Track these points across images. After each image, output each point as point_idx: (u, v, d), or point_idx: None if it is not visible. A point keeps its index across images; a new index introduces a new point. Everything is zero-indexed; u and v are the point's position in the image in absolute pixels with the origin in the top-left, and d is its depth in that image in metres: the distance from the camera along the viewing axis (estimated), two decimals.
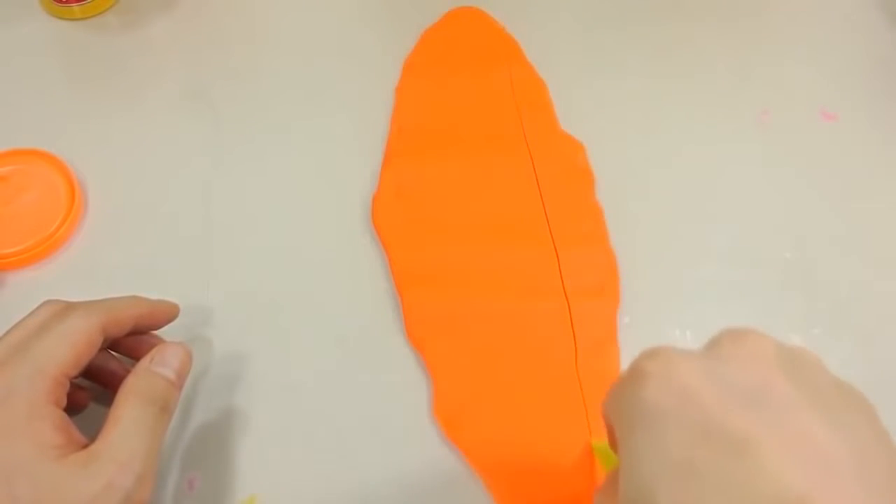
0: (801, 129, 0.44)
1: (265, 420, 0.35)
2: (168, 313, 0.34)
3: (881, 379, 0.36)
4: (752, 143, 0.43)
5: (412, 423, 0.35)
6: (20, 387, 0.27)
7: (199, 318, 0.37)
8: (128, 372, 0.30)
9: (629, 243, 0.39)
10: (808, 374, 0.22)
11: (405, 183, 0.41)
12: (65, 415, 0.28)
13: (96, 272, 0.39)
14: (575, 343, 0.36)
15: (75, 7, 0.47)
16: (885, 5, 0.48)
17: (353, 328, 0.37)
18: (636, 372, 0.23)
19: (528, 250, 0.39)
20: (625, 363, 0.36)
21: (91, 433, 0.28)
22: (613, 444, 0.25)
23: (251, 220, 0.40)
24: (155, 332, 0.35)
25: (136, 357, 0.32)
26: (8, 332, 0.30)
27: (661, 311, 0.38)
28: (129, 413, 0.28)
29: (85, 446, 0.27)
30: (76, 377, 0.30)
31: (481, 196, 0.40)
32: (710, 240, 0.40)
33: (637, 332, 0.37)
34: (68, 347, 0.29)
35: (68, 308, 0.30)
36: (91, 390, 0.34)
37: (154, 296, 0.34)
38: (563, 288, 0.37)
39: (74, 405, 0.32)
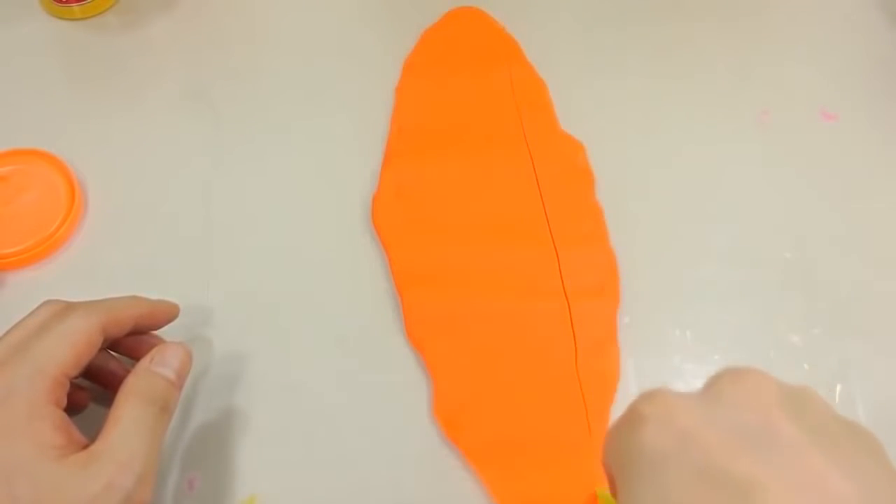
0: (801, 129, 0.44)
1: (265, 420, 0.35)
2: (168, 313, 0.34)
3: (881, 379, 0.36)
4: (752, 143, 0.43)
5: (412, 423, 0.35)
6: (20, 387, 0.27)
7: (199, 318, 0.37)
8: (128, 372, 0.30)
9: (629, 243, 0.39)
10: (813, 415, 0.21)
11: (405, 183, 0.41)
12: (65, 415, 0.28)
13: (96, 272, 0.39)
14: (575, 343, 0.36)
15: (75, 7, 0.47)
16: (885, 5, 0.48)
17: (353, 328, 0.37)
18: (633, 415, 0.22)
19: (528, 250, 0.39)
20: (625, 363, 0.36)
21: (91, 433, 0.28)
22: (615, 491, 0.24)
23: (251, 220, 0.40)
24: (155, 332, 0.35)
25: (136, 357, 0.32)
26: (8, 332, 0.30)
27: (661, 311, 0.38)
28: (129, 413, 0.28)
29: (85, 446, 0.27)
30: (76, 377, 0.30)
31: (481, 196, 0.40)
32: (710, 240, 0.40)
33: (637, 332, 0.37)
34: (68, 347, 0.29)
35: (68, 308, 0.30)
36: (91, 390, 0.34)
37: (154, 296, 0.34)
38: (563, 288, 0.37)
39: (74, 405, 0.32)
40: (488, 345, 0.36)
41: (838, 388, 0.36)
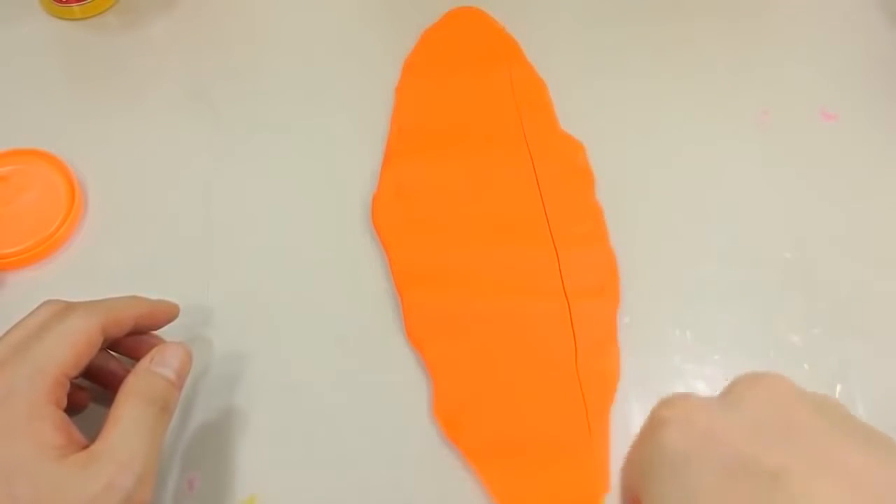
0: (801, 129, 0.44)
1: (265, 420, 0.35)
2: (168, 313, 0.34)
3: (881, 379, 0.36)
4: (752, 142, 0.43)
5: (412, 423, 0.35)
6: (20, 387, 0.27)
7: (199, 318, 0.37)
8: (128, 372, 0.30)
9: (629, 243, 0.39)
10: (834, 410, 0.21)
11: (405, 183, 0.41)
12: (65, 415, 0.28)
13: (96, 272, 0.39)
14: (575, 343, 0.36)
15: (75, 7, 0.47)
16: (885, 5, 0.48)
17: (353, 328, 0.37)
18: (654, 422, 0.22)
19: (528, 250, 0.39)
20: (625, 363, 0.36)
21: (91, 433, 0.28)
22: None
23: (251, 220, 0.40)
24: (155, 332, 0.35)
25: (136, 357, 0.32)
26: (8, 332, 0.30)
27: (661, 311, 0.38)
28: (129, 413, 0.28)
29: (85, 446, 0.27)
30: (76, 377, 0.30)
31: (481, 196, 0.40)
32: (710, 240, 0.40)
33: (637, 332, 0.37)
34: (68, 347, 0.29)
35: (68, 308, 0.30)
36: (91, 390, 0.34)
37: (154, 296, 0.34)
38: (563, 288, 0.37)
39: (74, 405, 0.32)
40: (488, 345, 0.36)
41: (838, 388, 0.36)
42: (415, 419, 0.35)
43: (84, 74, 0.46)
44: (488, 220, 0.39)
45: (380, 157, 0.42)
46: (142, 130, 0.43)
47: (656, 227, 0.40)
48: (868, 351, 0.37)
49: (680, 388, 0.36)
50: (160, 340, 0.34)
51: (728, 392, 0.23)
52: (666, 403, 0.22)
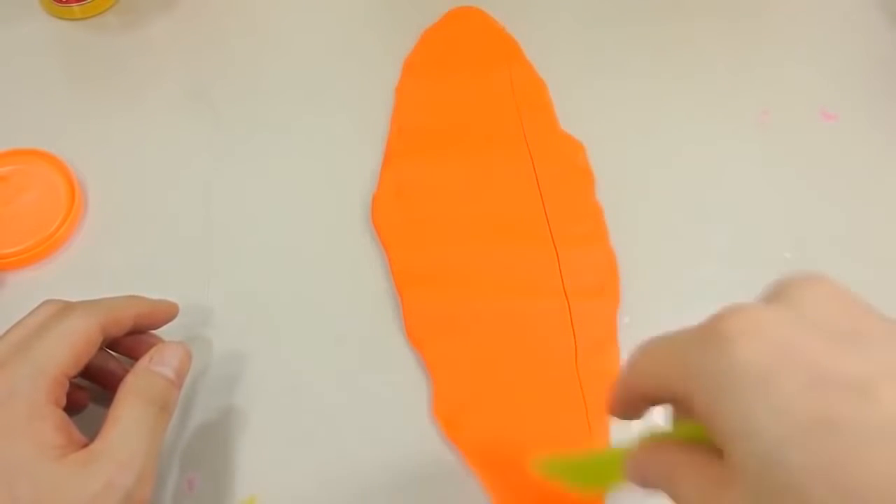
0: (801, 129, 0.44)
1: (265, 420, 0.35)
2: (167, 313, 0.34)
3: None
4: (752, 143, 0.43)
5: (412, 423, 0.35)
6: (20, 387, 0.27)
7: (199, 318, 0.37)
8: (127, 372, 0.30)
9: (629, 243, 0.39)
10: (884, 314, 0.21)
11: (405, 183, 0.41)
12: (65, 415, 0.28)
13: (96, 272, 0.39)
14: (575, 343, 0.36)
15: (75, 7, 0.47)
16: (885, 5, 0.48)
17: (353, 328, 0.37)
18: (716, 335, 0.21)
19: (528, 250, 0.39)
20: (624, 363, 0.36)
21: (91, 433, 0.28)
22: (679, 416, 0.24)
23: (251, 220, 0.40)
24: (154, 331, 0.35)
25: (135, 357, 0.32)
26: (8, 332, 0.30)
27: (661, 311, 0.38)
28: (128, 413, 0.28)
29: (85, 446, 0.27)
30: (76, 377, 0.30)
31: (481, 196, 0.40)
32: (710, 240, 0.40)
33: (637, 332, 0.37)
34: (68, 347, 0.29)
35: (68, 308, 0.30)
36: (91, 390, 0.34)
37: (154, 296, 0.34)
38: (563, 288, 0.37)
39: (74, 405, 0.32)
40: (488, 345, 0.36)
41: None
42: (415, 419, 0.35)
43: (84, 74, 0.46)
44: (488, 220, 0.39)
45: (380, 157, 0.42)
46: (142, 130, 0.43)
47: (656, 227, 0.40)
48: None
49: None
50: (159, 340, 0.34)
51: (782, 294, 0.22)
52: (727, 316, 0.21)
